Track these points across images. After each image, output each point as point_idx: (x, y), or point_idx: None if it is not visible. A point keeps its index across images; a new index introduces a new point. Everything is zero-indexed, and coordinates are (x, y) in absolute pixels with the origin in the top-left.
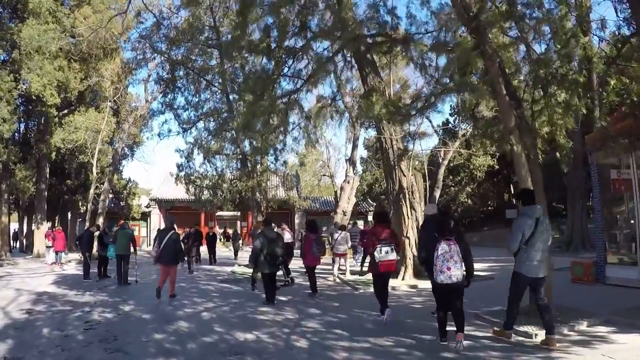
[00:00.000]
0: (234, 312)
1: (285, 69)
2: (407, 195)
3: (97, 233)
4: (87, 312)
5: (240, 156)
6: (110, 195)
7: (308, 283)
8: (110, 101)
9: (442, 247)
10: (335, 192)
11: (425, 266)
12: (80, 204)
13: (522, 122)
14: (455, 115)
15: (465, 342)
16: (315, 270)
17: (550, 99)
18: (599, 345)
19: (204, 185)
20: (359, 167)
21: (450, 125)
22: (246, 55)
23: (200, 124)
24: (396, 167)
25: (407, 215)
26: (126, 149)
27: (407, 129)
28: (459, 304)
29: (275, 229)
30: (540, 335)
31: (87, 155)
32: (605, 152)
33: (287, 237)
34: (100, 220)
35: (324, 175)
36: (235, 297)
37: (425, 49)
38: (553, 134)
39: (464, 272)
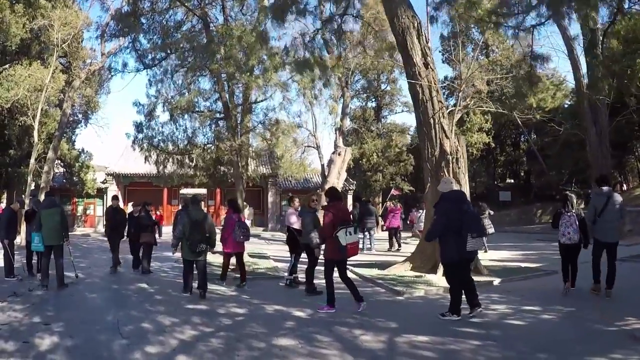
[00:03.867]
0: (232, 350)
1: None
2: (450, 164)
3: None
4: None
5: (222, 109)
6: (62, 169)
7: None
8: (57, 49)
9: (564, 217)
10: (322, 165)
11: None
12: (29, 178)
13: None
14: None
15: None
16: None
17: None
18: None
19: (169, 151)
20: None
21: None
22: None
23: (168, 65)
24: (436, 125)
25: None
26: (79, 114)
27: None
28: (575, 260)
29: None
30: None
31: (29, 118)
32: None
33: (293, 220)
34: (42, 197)
35: (308, 146)
36: (225, 313)
37: None
38: None
39: (580, 237)
